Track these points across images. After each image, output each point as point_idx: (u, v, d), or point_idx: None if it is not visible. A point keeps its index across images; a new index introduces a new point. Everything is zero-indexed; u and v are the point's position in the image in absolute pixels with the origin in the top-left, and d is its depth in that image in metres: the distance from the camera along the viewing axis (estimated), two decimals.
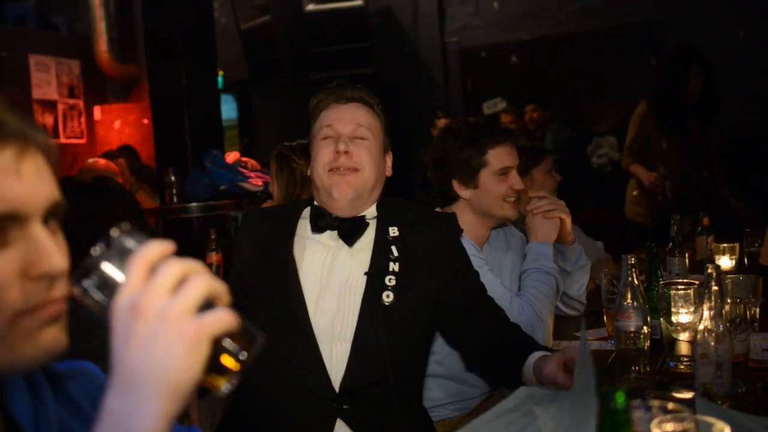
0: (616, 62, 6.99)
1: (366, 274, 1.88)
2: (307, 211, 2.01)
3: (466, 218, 2.26)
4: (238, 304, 1.83)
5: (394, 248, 1.93)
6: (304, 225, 1.99)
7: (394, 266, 1.90)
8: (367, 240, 1.94)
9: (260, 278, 1.93)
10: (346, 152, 1.90)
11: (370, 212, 1.98)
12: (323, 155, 1.93)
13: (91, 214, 2.02)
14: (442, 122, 6.82)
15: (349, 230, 1.94)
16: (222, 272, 3.46)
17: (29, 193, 0.77)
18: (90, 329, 1.99)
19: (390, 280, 1.88)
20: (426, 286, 1.90)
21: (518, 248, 2.49)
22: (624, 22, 6.86)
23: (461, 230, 2.06)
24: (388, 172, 2.03)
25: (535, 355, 1.78)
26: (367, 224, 1.96)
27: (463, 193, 2.33)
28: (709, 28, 6.37)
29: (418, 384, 1.99)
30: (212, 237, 3.54)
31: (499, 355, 1.89)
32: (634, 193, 4.57)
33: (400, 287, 1.87)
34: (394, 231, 1.95)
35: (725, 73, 6.31)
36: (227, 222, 4.62)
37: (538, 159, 3.14)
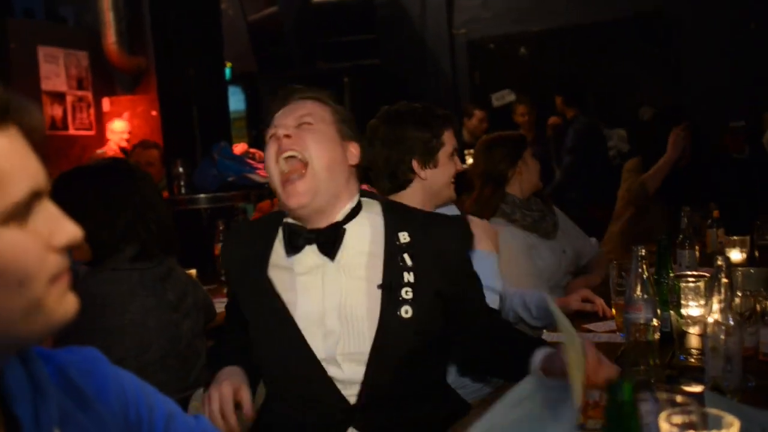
0: (624, 53, 6.94)
1: (380, 287, 1.76)
2: (280, 232, 1.88)
3: (417, 201, 2.30)
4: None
5: (406, 256, 1.80)
6: (278, 251, 1.85)
7: (408, 276, 1.77)
8: (353, 247, 1.80)
9: (251, 311, 1.84)
10: (287, 135, 1.77)
11: (346, 211, 1.83)
12: (268, 150, 1.81)
13: (105, 192, 2.02)
14: (479, 114, 6.80)
15: (329, 242, 1.79)
16: None
17: (42, 171, 0.83)
18: (119, 304, 1.99)
19: (407, 293, 1.76)
20: (441, 296, 1.80)
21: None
22: (633, 12, 6.82)
23: (473, 235, 2.00)
24: (352, 160, 1.86)
25: (540, 353, 1.72)
26: (344, 229, 1.81)
27: (422, 173, 2.36)
28: (718, 18, 6.32)
29: (434, 392, 1.88)
30: (220, 228, 3.55)
31: (504, 358, 1.84)
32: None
33: (417, 300, 1.75)
34: (404, 237, 1.82)
35: (735, 64, 6.28)
36: (235, 213, 4.62)
37: (525, 145, 3.21)
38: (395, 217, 1.86)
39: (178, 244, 2.23)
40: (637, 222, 4.14)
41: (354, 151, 1.87)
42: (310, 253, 1.80)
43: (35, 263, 0.80)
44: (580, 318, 2.42)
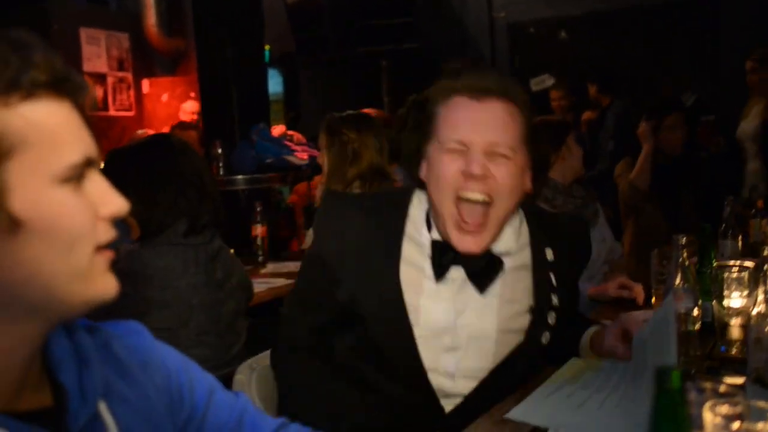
0: (666, 38, 6.81)
1: (531, 310, 1.63)
2: (413, 226, 1.65)
3: None
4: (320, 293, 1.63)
5: (552, 276, 1.66)
6: (409, 246, 1.63)
7: (554, 299, 1.65)
8: (503, 279, 1.63)
9: (363, 299, 1.61)
10: (483, 176, 1.52)
11: (504, 242, 1.64)
12: (446, 176, 1.55)
13: (145, 169, 2.05)
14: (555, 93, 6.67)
15: (480, 272, 1.60)
16: (266, 244, 3.49)
17: (94, 142, 0.86)
18: (166, 278, 2.02)
19: (551, 318, 1.64)
20: (570, 311, 1.72)
21: None
22: None
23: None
24: (527, 186, 1.64)
25: (590, 331, 1.75)
26: (502, 263, 1.62)
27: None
28: (759, 3, 6.15)
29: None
30: (258, 209, 3.57)
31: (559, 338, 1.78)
32: None
33: (559, 324, 1.65)
34: (550, 254, 1.67)
35: None
36: (273, 195, 4.65)
37: (569, 130, 3.18)
38: (538, 228, 1.70)
39: (224, 219, 2.21)
40: (637, 224, 4.06)
41: (529, 171, 1.64)
42: (453, 271, 1.61)
43: (85, 227, 0.82)
44: (618, 306, 2.39)
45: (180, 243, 2.05)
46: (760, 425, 0.99)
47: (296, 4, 7.23)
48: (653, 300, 2.30)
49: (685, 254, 1.83)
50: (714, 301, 1.99)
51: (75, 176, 0.82)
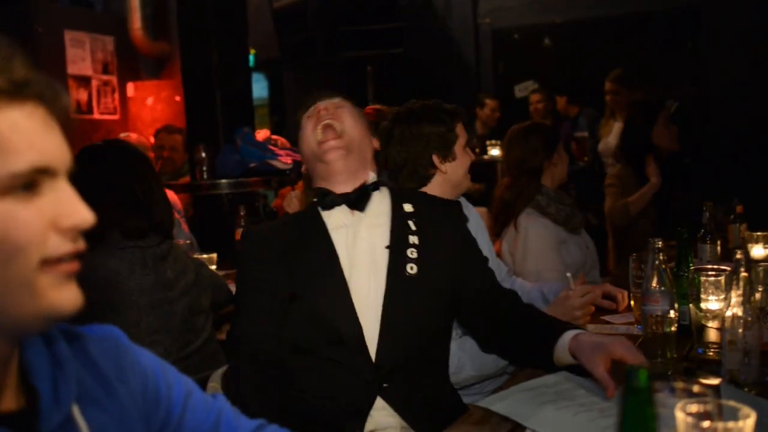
0: (650, 47, 6.87)
1: (387, 247, 1.90)
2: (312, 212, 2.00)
3: (439, 194, 2.30)
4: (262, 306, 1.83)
5: (411, 222, 1.95)
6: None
7: (413, 239, 1.92)
8: (380, 213, 1.96)
9: (303, 276, 1.88)
10: (324, 109, 1.97)
11: (371, 179, 1.99)
12: (307, 127, 1.99)
13: (91, 173, 2.08)
14: (491, 103, 6.78)
15: (357, 199, 1.94)
16: None
17: (59, 150, 0.83)
18: (112, 282, 2.06)
19: (411, 253, 1.90)
20: (445, 260, 1.93)
21: (477, 220, 2.57)
22: (659, 5, 6.74)
23: (467, 218, 2.14)
24: (375, 145, 2.06)
25: (568, 335, 1.72)
26: (371, 190, 1.97)
27: (443, 167, 2.40)
28: (742, 11, 6.22)
29: (445, 362, 1.99)
30: (241, 213, 3.58)
31: (527, 336, 1.87)
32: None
33: (422, 259, 1.89)
34: (408, 207, 1.99)
35: (759, 57, 6.18)
36: (256, 199, 4.65)
37: (558, 136, 3.27)
38: (398, 193, 2.04)
39: (172, 224, 2.32)
40: (624, 233, 4.11)
41: (375, 143, 2.06)
42: (341, 210, 1.94)
43: (28, 239, 0.79)
44: (598, 311, 2.41)
45: (127, 246, 2.13)
46: (731, 424, 1.01)
47: (282, 8, 7.23)
48: (632, 303, 2.32)
49: (660, 257, 1.85)
50: (691, 304, 2.01)
51: (21, 185, 0.79)
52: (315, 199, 2.00)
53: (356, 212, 1.93)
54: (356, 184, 1.95)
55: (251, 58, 6.22)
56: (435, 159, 2.39)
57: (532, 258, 2.92)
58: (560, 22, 7.23)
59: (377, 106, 3.55)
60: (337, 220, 1.95)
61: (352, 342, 1.80)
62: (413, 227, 1.95)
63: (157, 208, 2.23)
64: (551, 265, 2.89)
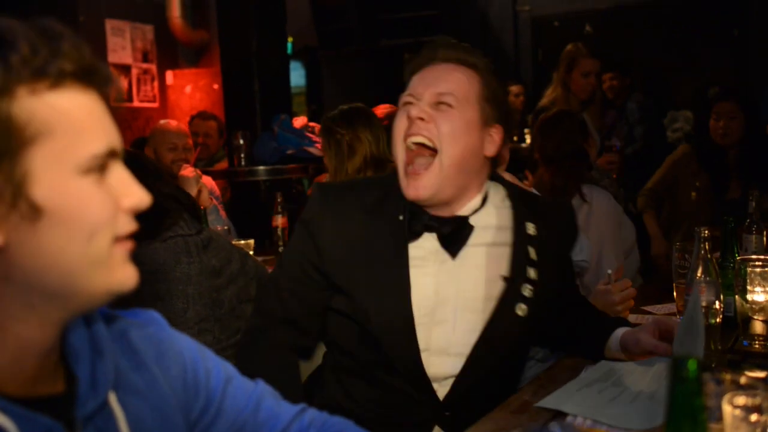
0: (694, 33, 6.72)
1: (504, 278, 1.64)
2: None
3: None
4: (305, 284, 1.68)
5: (532, 250, 1.67)
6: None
7: (531, 273, 1.66)
8: (476, 240, 1.65)
9: (361, 288, 1.64)
10: (420, 119, 1.58)
11: (473, 205, 1.67)
12: (396, 126, 1.64)
13: None
14: (515, 88, 6.71)
15: (451, 237, 1.63)
16: (287, 234, 3.50)
17: (117, 133, 0.87)
18: (158, 273, 2.07)
19: (526, 290, 1.64)
20: (555, 293, 1.72)
21: None
22: None
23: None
24: (489, 150, 1.65)
25: (620, 330, 1.73)
26: (471, 228, 1.65)
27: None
28: None
29: (519, 376, 1.85)
30: (278, 200, 3.58)
31: (583, 332, 1.82)
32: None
33: (536, 299, 1.65)
34: (531, 228, 1.68)
35: None
36: (293, 186, 4.66)
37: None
38: (522, 205, 1.72)
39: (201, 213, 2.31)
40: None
41: (496, 137, 1.67)
42: (429, 238, 1.65)
43: (106, 218, 0.83)
44: (640, 301, 2.37)
45: (168, 237, 2.12)
46: None
47: None
48: (674, 294, 2.27)
49: (707, 247, 1.81)
50: (737, 295, 1.96)
51: (97, 167, 0.82)
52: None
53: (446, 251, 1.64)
54: (455, 209, 1.65)
55: (289, 45, 6.22)
56: None
57: (595, 228, 2.86)
58: (601, 9, 7.10)
59: (380, 112, 3.46)
60: (423, 247, 1.65)
61: (415, 383, 1.62)
62: (533, 256, 1.67)
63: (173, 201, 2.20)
64: (610, 239, 2.82)
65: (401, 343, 1.60)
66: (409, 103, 1.63)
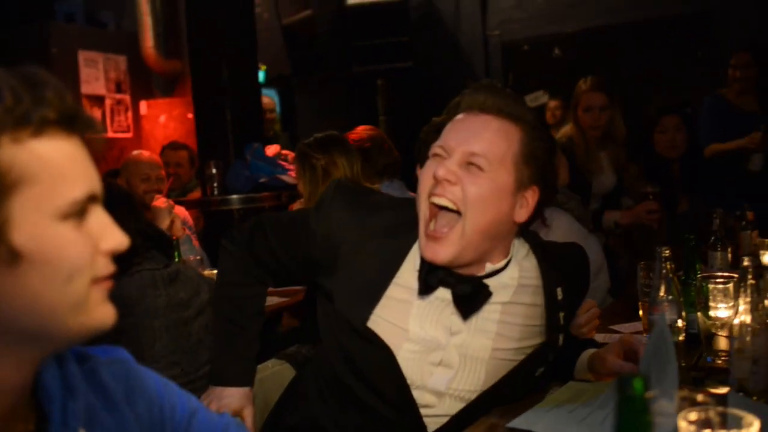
0: (660, 55, 6.85)
1: (544, 344, 1.61)
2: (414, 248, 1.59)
3: None
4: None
5: (561, 315, 1.63)
6: (408, 266, 1.59)
7: (560, 339, 1.65)
8: (491, 300, 1.58)
9: (344, 280, 1.60)
10: (447, 180, 1.48)
11: (496, 267, 1.59)
12: (422, 182, 1.53)
13: None
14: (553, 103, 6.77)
15: (466, 299, 1.54)
16: None
17: (98, 178, 0.89)
18: (124, 307, 2.07)
19: (551, 355, 1.65)
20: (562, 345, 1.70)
21: None
22: (669, 13, 6.72)
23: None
24: (520, 216, 1.54)
25: (587, 353, 1.76)
26: (489, 294, 1.55)
27: None
28: (759, 19, 6.18)
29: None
30: None
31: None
32: None
33: (553, 359, 1.66)
34: (560, 293, 1.63)
35: None
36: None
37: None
38: (549, 265, 1.64)
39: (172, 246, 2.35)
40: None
41: (530, 200, 1.54)
42: (442, 290, 1.57)
43: (84, 261, 0.84)
44: (606, 320, 2.39)
45: (134, 271, 2.14)
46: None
47: (291, 24, 7.29)
48: (640, 313, 2.31)
49: (668, 266, 1.84)
50: (699, 312, 2.00)
51: (77, 212, 0.84)
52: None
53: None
54: (477, 270, 1.56)
55: (262, 74, 6.26)
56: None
57: None
58: (569, 33, 7.22)
59: (362, 133, 3.45)
60: (434, 293, 1.57)
61: (405, 416, 1.57)
62: (562, 321, 1.64)
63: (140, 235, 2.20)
64: None
65: (390, 378, 1.56)
66: (439, 155, 1.52)
